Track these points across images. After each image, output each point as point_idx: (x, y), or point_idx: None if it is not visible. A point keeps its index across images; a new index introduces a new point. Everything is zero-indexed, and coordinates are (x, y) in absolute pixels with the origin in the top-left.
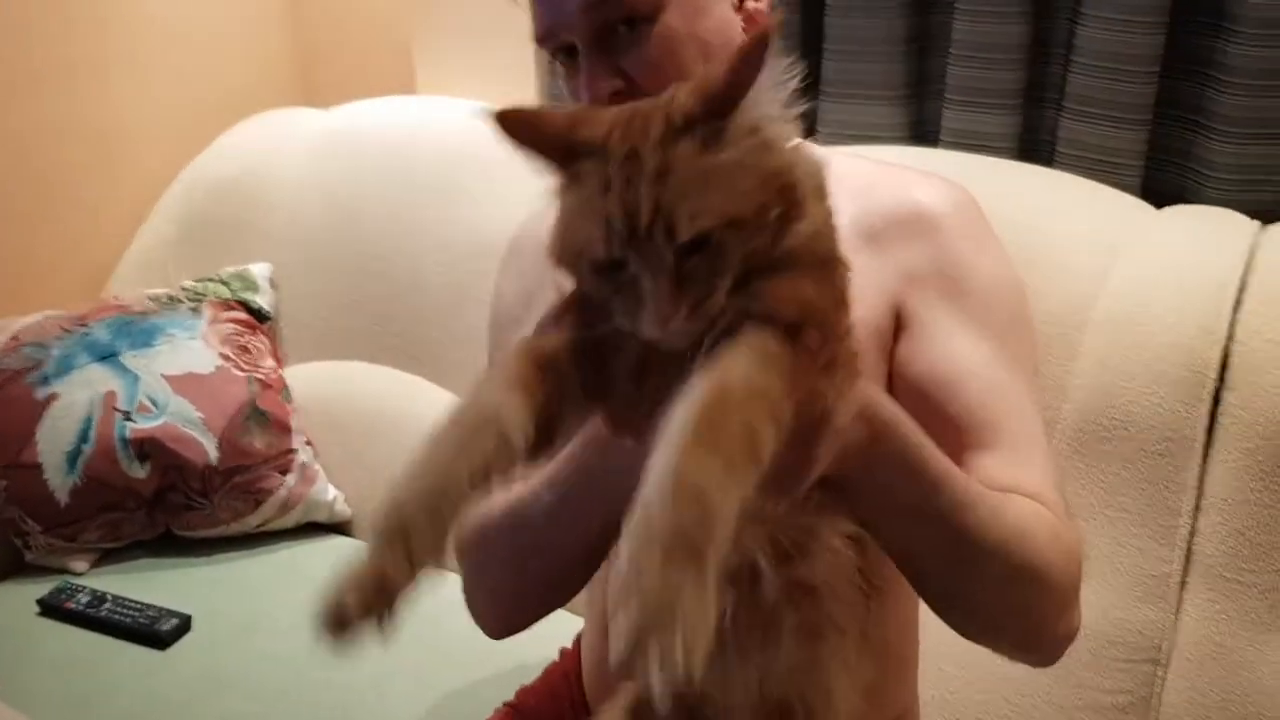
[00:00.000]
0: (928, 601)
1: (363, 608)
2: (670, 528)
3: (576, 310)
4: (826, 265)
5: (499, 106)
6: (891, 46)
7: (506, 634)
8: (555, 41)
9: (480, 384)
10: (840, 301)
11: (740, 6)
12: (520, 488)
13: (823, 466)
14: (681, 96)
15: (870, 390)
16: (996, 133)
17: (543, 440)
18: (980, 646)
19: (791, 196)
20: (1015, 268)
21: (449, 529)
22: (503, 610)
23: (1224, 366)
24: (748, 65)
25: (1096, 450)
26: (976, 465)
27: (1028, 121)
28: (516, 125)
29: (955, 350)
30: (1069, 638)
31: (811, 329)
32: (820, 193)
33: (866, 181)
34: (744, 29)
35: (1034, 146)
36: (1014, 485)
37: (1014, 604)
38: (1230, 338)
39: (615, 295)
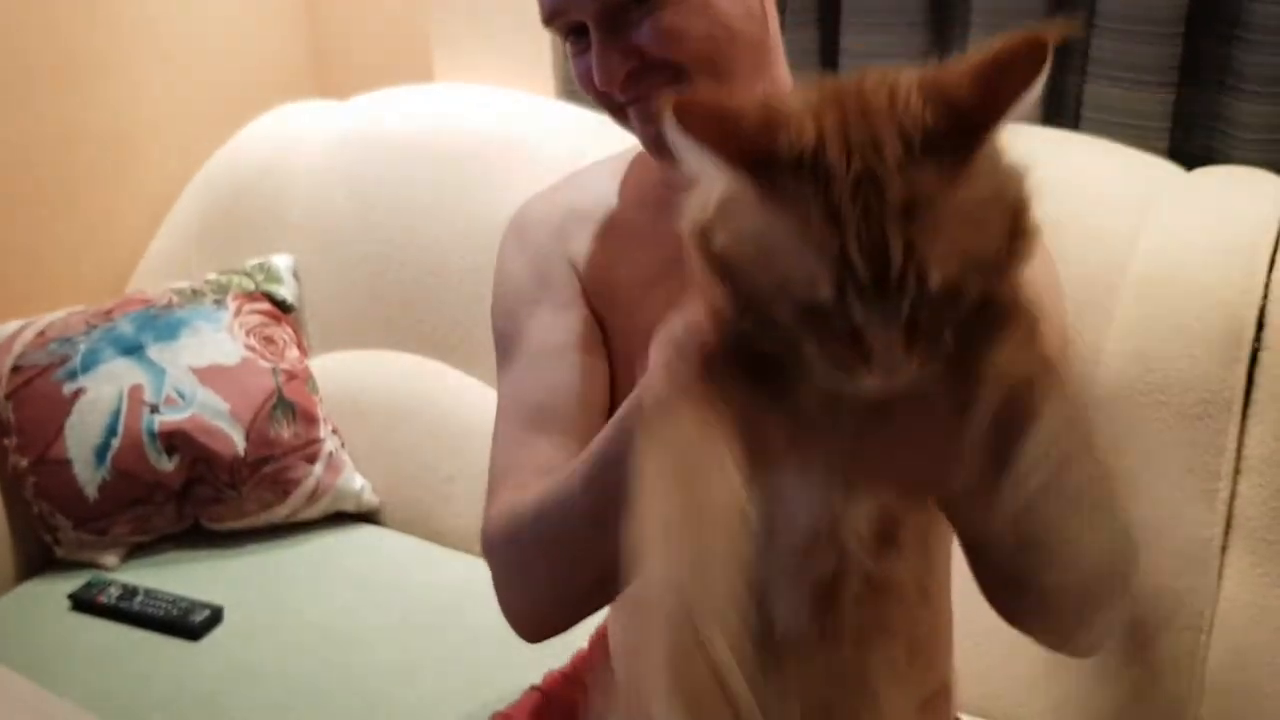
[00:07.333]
0: (999, 593)
1: None
2: None
3: (724, 327)
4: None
5: (677, 98)
6: (911, 16)
7: (541, 638)
8: (563, 21)
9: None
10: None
11: None
12: (550, 484)
13: None
14: (915, 101)
15: None
16: None
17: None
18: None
19: (1029, 233)
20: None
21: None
22: (538, 612)
23: (1260, 326)
24: (1012, 81)
25: (1133, 414)
26: None
27: (1051, 85)
28: (697, 120)
29: None
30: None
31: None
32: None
33: None
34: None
35: (1059, 111)
36: None
37: (1104, 598)
38: (1266, 297)
39: (818, 338)
